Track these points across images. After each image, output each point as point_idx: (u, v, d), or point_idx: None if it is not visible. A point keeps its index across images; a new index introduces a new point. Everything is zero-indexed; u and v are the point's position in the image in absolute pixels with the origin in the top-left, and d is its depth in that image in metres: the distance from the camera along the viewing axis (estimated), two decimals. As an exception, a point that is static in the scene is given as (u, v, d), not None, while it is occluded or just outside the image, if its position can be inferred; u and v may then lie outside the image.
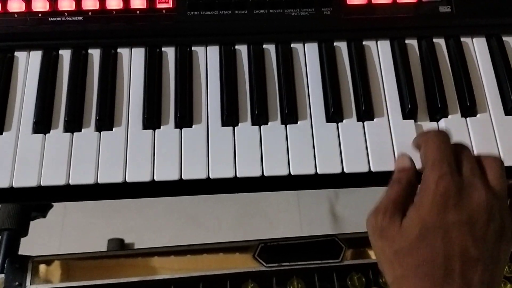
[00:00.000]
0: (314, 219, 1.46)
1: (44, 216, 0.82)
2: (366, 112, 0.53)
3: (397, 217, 0.43)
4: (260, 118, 0.53)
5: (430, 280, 0.40)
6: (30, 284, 0.61)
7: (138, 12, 0.56)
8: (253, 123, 0.53)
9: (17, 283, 0.61)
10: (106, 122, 0.52)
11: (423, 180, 0.44)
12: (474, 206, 0.41)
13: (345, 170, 0.51)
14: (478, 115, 0.54)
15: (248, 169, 0.51)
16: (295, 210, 1.46)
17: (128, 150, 0.51)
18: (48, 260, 0.63)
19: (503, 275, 0.44)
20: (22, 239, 0.73)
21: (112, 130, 0.52)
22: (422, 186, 0.43)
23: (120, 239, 1.34)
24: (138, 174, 0.50)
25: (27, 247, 0.74)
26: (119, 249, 1.32)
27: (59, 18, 0.56)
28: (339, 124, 0.53)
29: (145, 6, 0.56)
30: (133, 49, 0.56)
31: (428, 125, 0.54)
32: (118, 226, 1.37)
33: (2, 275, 0.63)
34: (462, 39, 0.58)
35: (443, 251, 0.40)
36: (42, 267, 0.63)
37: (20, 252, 0.72)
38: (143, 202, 1.31)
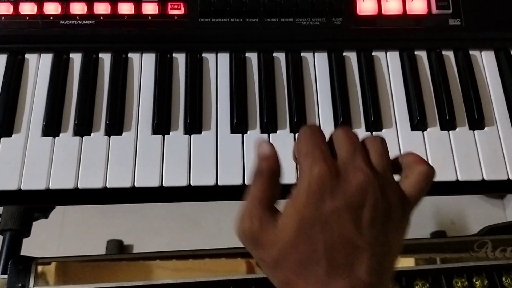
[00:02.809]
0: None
1: (46, 217, 0.82)
2: (374, 122, 0.54)
3: (268, 217, 0.37)
4: (269, 126, 0.53)
5: (314, 278, 0.35)
6: (34, 286, 0.61)
7: (149, 17, 0.56)
8: (262, 131, 0.53)
9: (20, 285, 0.61)
10: (115, 126, 0.53)
11: (299, 173, 0.39)
12: (352, 189, 0.37)
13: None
14: (485, 128, 0.55)
15: (256, 177, 0.51)
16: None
17: (137, 155, 0.52)
18: (52, 262, 0.63)
19: (396, 259, 0.39)
20: (21, 239, 0.73)
21: (121, 134, 0.53)
22: (299, 178, 0.38)
23: (119, 240, 1.34)
24: (146, 179, 0.51)
25: (26, 247, 0.74)
26: (118, 250, 1.32)
27: (70, 22, 0.56)
28: (348, 134, 0.54)
29: (157, 12, 0.56)
30: (144, 54, 0.57)
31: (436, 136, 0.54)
32: (117, 228, 1.37)
33: (5, 276, 0.63)
34: (470, 52, 0.58)
35: (324, 243, 0.35)
36: (46, 268, 0.63)
37: (19, 252, 0.72)
38: (143, 203, 1.31)
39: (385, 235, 0.37)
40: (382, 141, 0.41)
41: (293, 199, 0.38)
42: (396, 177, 0.41)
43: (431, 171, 0.40)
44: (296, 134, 0.53)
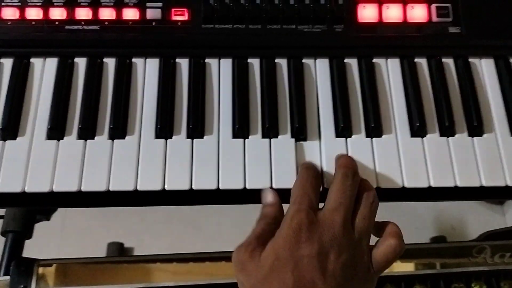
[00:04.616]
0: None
1: (48, 219, 0.82)
2: (375, 129, 0.54)
3: (257, 251, 0.44)
4: (270, 131, 0.54)
5: None
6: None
7: (153, 23, 0.57)
8: (263, 136, 0.54)
9: (22, 286, 0.62)
10: (119, 130, 0.53)
11: (285, 214, 0.46)
12: (325, 241, 0.43)
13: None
14: (484, 135, 0.55)
15: (257, 181, 0.52)
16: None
17: (140, 158, 0.52)
18: (54, 264, 0.64)
19: None
20: (22, 241, 0.74)
21: (125, 138, 0.53)
22: (283, 220, 0.45)
23: (120, 243, 1.34)
24: (149, 182, 0.51)
25: (27, 248, 0.74)
26: (119, 253, 1.32)
27: (75, 27, 0.57)
28: (348, 139, 0.54)
29: (160, 18, 0.57)
30: (147, 60, 0.57)
31: (435, 141, 0.55)
32: (118, 230, 1.37)
33: (7, 277, 0.63)
34: (470, 60, 0.59)
35: (292, 282, 0.41)
36: (48, 270, 0.63)
37: (21, 254, 0.72)
38: (145, 206, 1.31)
39: (348, 287, 0.42)
40: (373, 204, 0.47)
41: (274, 239, 0.44)
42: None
43: (399, 247, 0.45)
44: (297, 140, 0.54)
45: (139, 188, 0.51)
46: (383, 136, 0.55)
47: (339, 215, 0.44)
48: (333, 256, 0.42)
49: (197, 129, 0.53)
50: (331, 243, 0.43)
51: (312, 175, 0.48)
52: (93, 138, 0.53)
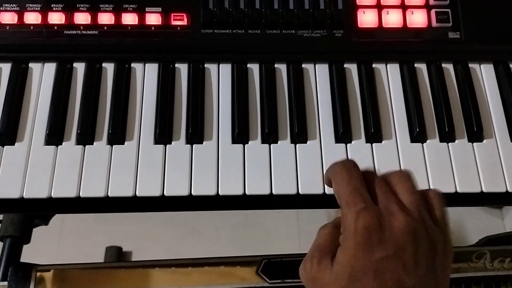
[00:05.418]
0: (313, 232, 1.46)
1: (47, 224, 0.82)
2: (374, 134, 0.54)
3: (326, 262, 0.41)
4: (270, 136, 0.54)
5: None
6: (33, 293, 0.61)
7: (153, 28, 0.57)
8: (263, 141, 0.54)
9: (20, 292, 0.61)
10: (118, 136, 0.53)
11: (342, 220, 0.42)
12: (398, 234, 0.39)
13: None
14: (484, 141, 0.55)
15: (257, 187, 0.52)
16: (293, 223, 1.47)
17: (139, 164, 0.52)
18: (52, 269, 0.63)
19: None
20: (20, 245, 0.73)
21: (124, 144, 0.53)
22: (343, 226, 0.42)
23: (118, 247, 1.34)
24: (148, 188, 0.51)
25: (25, 252, 0.74)
26: (117, 256, 1.32)
27: (74, 32, 0.56)
28: (348, 145, 0.54)
29: (160, 23, 0.57)
30: (146, 64, 0.57)
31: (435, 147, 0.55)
32: (116, 234, 1.37)
33: (5, 283, 0.63)
34: (470, 65, 0.59)
35: None
36: (46, 276, 0.63)
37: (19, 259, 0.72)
38: (144, 212, 1.30)
39: (434, 271, 0.40)
40: (409, 177, 0.43)
41: (343, 249, 0.40)
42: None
43: (438, 190, 0.43)
44: (297, 145, 0.54)
45: (138, 194, 0.51)
46: (383, 142, 0.54)
47: (393, 202, 0.41)
48: (410, 247, 0.39)
49: (196, 135, 0.53)
50: (402, 233, 0.39)
51: (351, 167, 0.43)
52: (92, 144, 0.53)
